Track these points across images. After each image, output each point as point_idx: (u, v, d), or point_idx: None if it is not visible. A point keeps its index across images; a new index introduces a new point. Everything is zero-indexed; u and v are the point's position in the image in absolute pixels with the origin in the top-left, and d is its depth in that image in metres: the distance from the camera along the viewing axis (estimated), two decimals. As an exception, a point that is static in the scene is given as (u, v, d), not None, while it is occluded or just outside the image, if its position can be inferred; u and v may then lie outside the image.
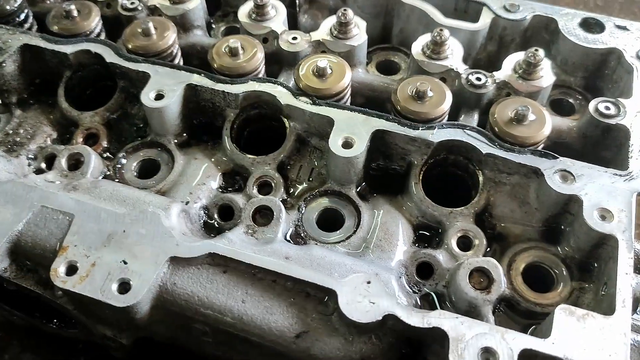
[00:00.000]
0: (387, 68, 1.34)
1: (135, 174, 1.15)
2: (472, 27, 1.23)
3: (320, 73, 1.12)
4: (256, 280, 0.93)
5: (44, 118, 1.22)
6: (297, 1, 1.36)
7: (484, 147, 1.03)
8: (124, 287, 0.90)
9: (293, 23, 1.38)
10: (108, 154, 1.18)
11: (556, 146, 1.16)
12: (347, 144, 1.04)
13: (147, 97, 1.11)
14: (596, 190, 0.97)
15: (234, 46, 1.15)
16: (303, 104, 1.10)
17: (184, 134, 1.19)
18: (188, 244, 0.94)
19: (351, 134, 1.05)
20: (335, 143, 1.04)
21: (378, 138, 1.07)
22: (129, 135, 1.20)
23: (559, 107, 1.25)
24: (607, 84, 1.23)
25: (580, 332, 0.83)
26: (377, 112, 1.08)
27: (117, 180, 1.12)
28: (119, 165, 1.15)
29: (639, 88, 1.12)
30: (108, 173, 1.13)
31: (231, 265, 0.93)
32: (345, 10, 1.18)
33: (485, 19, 1.24)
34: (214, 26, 1.41)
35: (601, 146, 1.12)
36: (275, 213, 1.01)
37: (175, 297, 0.92)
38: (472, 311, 0.92)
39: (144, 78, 1.15)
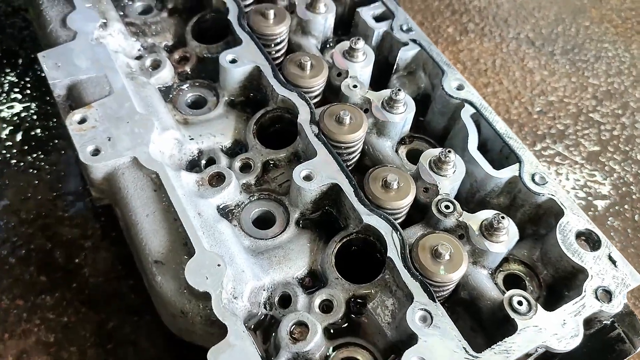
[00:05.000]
0: (416, 157, 1.45)
1: (186, 100, 1.46)
2: (489, 171, 1.30)
3: (340, 120, 1.31)
4: (166, 211, 1.19)
5: (173, 29, 1.59)
6: (396, 65, 1.54)
7: (393, 252, 1.15)
8: (95, 152, 1.22)
9: (386, 78, 1.57)
10: (185, 76, 1.51)
11: (471, 301, 1.22)
12: (307, 177, 1.23)
13: (225, 56, 1.40)
14: (433, 345, 1.05)
15: (304, 62, 1.39)
16: (310, 130, 1.31)
17: (241, 97, 1.46)
18: (151, 157, 1.22)
19: (317, 172, 1.23)
20: (299, 170, 1.23)
21: (335, 191, 1.24)
22: (208, 75, 1.51)
23: (514, 282, 1.28)
24: (567, 297, 1.24)
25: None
26: (350, 174, 1.24)
27: (171, 95, 1.45)
28: (181, 88, 1.47)
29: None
30: (169, 86, 1.46)
31: (162, 190, 1.20)
32: (399, 90, 1.34)
33: (508, 173, 1.31)
34: (330, 44, 1.64)
35: (499, 330, 1.16)
36: (224, 183, 1.25)
37: (117, 182, 1.22)
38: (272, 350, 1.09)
39: (239, 44, 1.44)
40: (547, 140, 1.90)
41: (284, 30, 1.50)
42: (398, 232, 1.18)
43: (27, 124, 1.72)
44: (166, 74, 1.44)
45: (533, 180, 1.30)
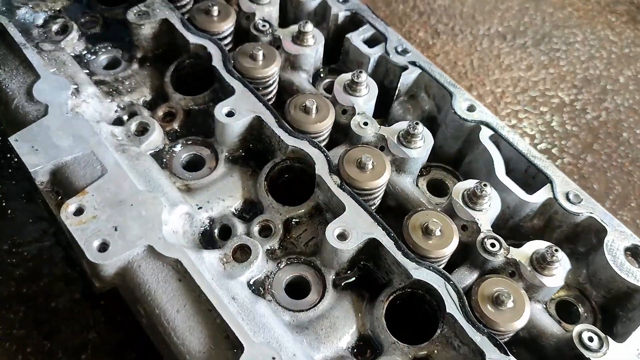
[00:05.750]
0: (437, 187, 1.39)
1: (182, 162, 1.31)
2: (523, 197, 1.24)
3: (362, 166, 1.20)
4: (197, 301, 1.05)
5: (148, 81, 1.43)
6: (398, 90, 1.45)
7: (452, 307, 1.07)
8: (103, 247, 1.07)
9: (386, 104, 1.48)
10: (174, 134, 1.36)
11: (531, 339, 1.16)
12: (342, 236, 1.13)
13: (221, 110, 1.27)
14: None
15: (309, 106, 1.28)
16: (331, 182, 1.20)
17: (239, 151, 1.33)
18: (167, 242, 1.08)
19: (351, 229, 1.13)
20: (332, 229, 1.13)
21: (373, 245, 1.14)
22: (198, 129, 1.37)
23: (565, 309, 1.23)
24: (623, 317, 1.20)
25: None
26: (385, 224, 1.15)
27: (164, 160, 1.30)
28: (174, 149, 1.32)
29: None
30: (162, 149, 1.31)
31: (187, 278, 1.07)
32: (417, 123, 1.25)
33: (542, 196, 1.25)
34: (321, 75, 1.53)
35: (569, 370, 1.10)
36: (251, 257, 1.13)
37: (134, 277, 1.08)
38: None
39: (230, 92, 1.31)
40: (541, 140, 1.87)
41: (275, 71, 1.37)
42: (451, 283, 1.09)
43: (-7, 205, 1.53)
44: (156, 137, 1.29)
45: (568, 199, 1.25)
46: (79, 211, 1.10)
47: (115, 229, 1.09)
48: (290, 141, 1.25)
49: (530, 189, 1.29)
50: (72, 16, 1.51)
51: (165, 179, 1.20)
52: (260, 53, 1.35)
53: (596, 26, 2.23)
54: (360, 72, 1.32)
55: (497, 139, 1.34)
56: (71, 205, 1.10)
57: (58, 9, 1.53)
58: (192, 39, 1.39)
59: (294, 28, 1.44)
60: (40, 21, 1.50)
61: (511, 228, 1.31)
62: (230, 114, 1.27)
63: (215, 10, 1.43)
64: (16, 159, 1.59)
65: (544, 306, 1.19)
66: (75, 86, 1.29)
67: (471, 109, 1.37)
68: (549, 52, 2.12)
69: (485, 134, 1.33)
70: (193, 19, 1.44)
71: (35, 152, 1.17)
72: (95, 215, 1.10)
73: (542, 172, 1.28)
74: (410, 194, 1.29)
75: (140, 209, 1.12)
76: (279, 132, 1.26)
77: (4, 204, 1.53)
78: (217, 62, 1.35)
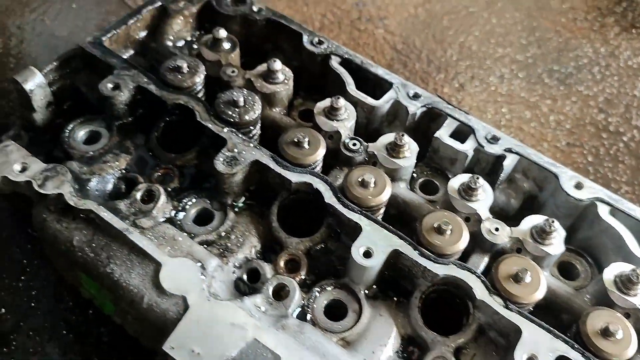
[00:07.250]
0: (566, 270, 1.40)
1: (323, 312, 1.25)
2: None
3: (518, 279, 1.19)
4: None
5: (253, 227, 1.35)
6: (499, 179, 1.44)
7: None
8: None
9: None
10: (304, 284, 1.29)
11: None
12: (530, 361, 1.12)
13: (357, 252, 1.22)
14: None
15: (444, 227, 1.25)
16: (496, 304, 1.18)
17: (374, 286, 1.29)
18: (376, 422, 1.03)
19: (537, 352, 1.12)
20: (519, 356, 1.11)
21: (559, 361, 1.14)
22: (324, 270, 1.31)
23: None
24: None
25: None
26: (565, 337, 1.14)
27: (309, 317, 1.23)
28: (312, 302, 1.25)
29: None
30: (304, 304, 1.24)
31: None
32: (553, 221, 1.26)
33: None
34: (414, 175, 1.50)
35: None
36: (451, 408, 1.09)
37: None
38: None
39: (355, 229, 1.26)
40: (595, 174, 1.93)
41: (389, 194, 1.33)
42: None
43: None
44: (298, 297, 1.22)
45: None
46: (272, 413, 1.03)
47: (323, 423, 1.03)
48: (438, 269, 1.22)
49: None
50: (145, 173, 1.41)
51: (337, 347, 1.14)
52: (372, 180, 1.30)
53: (595, 44, 2.31)
54: (478, 177, 1.31)
55: (613, 211, 1.36)
56: (266, 409, 1.03)
57: (124, 167, 1.42)
58: (294, 177, 1.32)
59: (386, 140, 1.41)
60: (109, 186, 1.39)
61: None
62: (367, 255, 1.22)
63: (306, 142, 1.36)
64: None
65: None
66: (199, 263, 1.20)
67: (579, 186, 1.39)
68: (564, 79, 2.19)
69: (604, 211, 1.35)
70: (284, 153, 1.37)
71: (198, 356, 1.08)
72: (294, 412, 1.03)
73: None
74: (557, 289, 1.30)
75: (335, 392, 1.06)
76: (423, 262, 1.22)
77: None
78: (329, 198, 1.30)
